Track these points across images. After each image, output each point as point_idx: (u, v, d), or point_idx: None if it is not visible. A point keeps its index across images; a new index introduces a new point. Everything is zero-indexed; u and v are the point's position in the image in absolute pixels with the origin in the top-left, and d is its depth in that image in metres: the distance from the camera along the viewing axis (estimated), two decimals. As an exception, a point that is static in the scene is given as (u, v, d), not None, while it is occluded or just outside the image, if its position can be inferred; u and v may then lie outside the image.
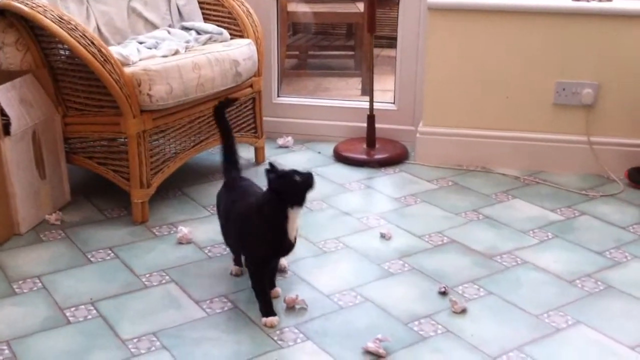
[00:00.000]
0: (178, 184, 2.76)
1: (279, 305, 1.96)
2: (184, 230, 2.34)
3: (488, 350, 1.77)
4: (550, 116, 2.92)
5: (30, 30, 2.41)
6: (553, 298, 2.01)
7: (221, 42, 2.79)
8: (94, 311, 1.94)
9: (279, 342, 1.81)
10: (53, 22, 2.30)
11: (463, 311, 1.94)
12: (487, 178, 2.89)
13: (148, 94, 2.34)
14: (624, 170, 2.81)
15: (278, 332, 1.85)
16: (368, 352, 1.76)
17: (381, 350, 1.75)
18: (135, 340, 1.81)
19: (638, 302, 2.00)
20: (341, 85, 4.54)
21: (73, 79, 2.44)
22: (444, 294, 2.03)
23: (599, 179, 2.86)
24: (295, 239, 1.88)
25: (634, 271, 2.16)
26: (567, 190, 2.75)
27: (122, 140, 2.43)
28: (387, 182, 2.88)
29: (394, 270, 2.17)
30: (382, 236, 2.38)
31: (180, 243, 2.32)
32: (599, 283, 2.09)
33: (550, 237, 2.38)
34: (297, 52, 4.74)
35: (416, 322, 1.89)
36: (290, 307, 1.96)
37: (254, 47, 2.80)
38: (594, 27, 2.78)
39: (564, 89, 2.87)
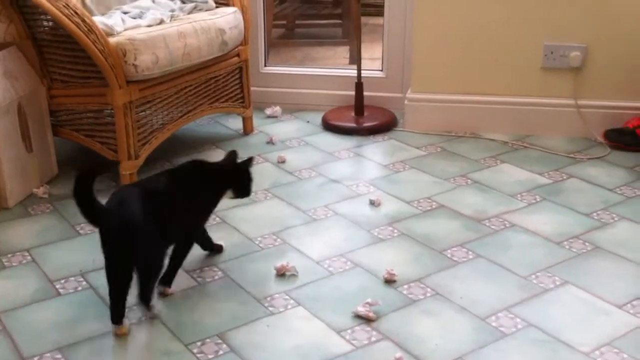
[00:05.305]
0: (166, 156, 2.75)
1: (269, 272, 1.97)
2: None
3: (477, 312, 1.79)
4: (539, 80, 2.91)
5: (14, 2, 2.38)
6: (541, 259, 2.03)
7: (206, 10, 2.76)
8: (84, 282, 1.94)
9: (270, 308, 1.82)
10: (35, -8, 2.27)
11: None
12: (475, 143, 2.89)
13: (134, 64, 2.32)
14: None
15: (269, 298, 1.86)
16: (358, 316, 1.77)
17: (371, 314, 1.76)
18: (126, 310, 1.81)
19: (625, 262, 2.01)
20: (329, 54, 4.51)
21: (57, 50, 2.42)
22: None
23: (586, 142, 2.86)
24: None
25: (621, 231, 2.17)
26: (555, 154, 2.75)
27: (109, 111, 2.41)
28: (376, 149, 2.88)
29: (384, 236, 2.18)
30: (372, 203, 2.38)
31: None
32: (587, 244, 2.11)
33: (538, 200, 2.39)
34: (284, 22, 4.70)
35: (405, 286, 1.90)
36: (281, 275, 1.96)
37: (239, 16, 2.77)
38: (582, -11, 2.77)
39: (552, 52, 2.86)
